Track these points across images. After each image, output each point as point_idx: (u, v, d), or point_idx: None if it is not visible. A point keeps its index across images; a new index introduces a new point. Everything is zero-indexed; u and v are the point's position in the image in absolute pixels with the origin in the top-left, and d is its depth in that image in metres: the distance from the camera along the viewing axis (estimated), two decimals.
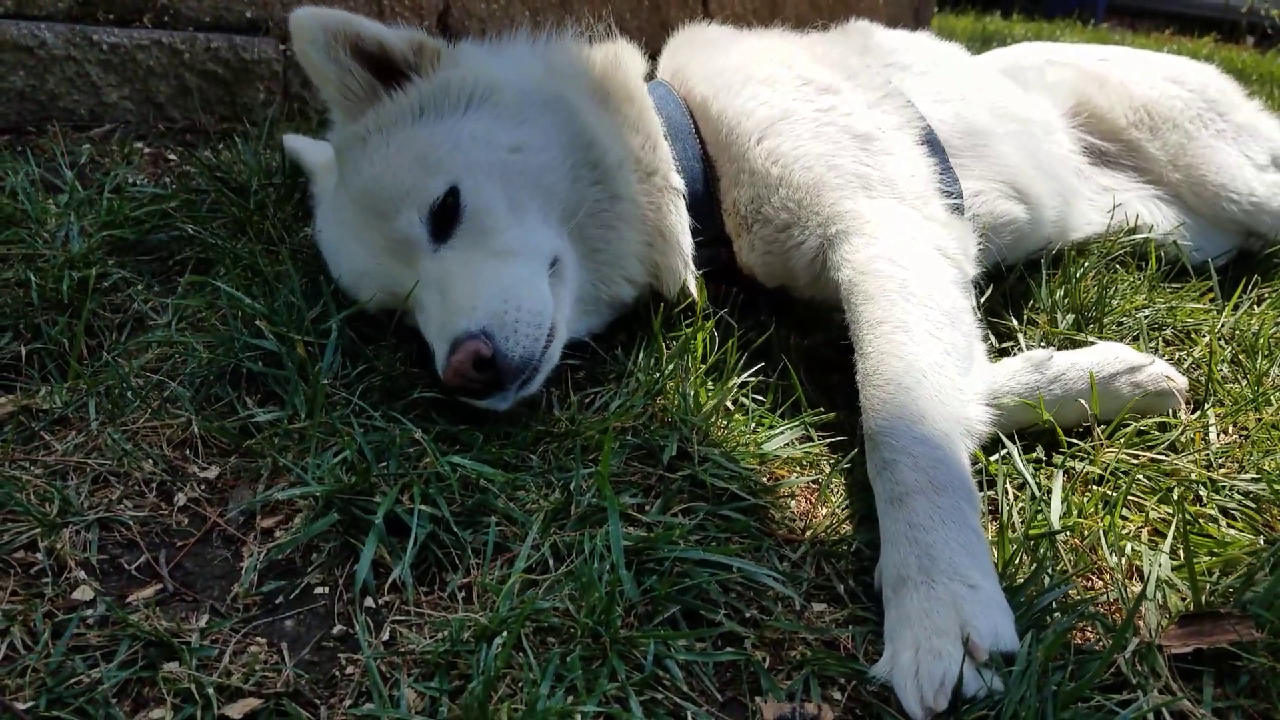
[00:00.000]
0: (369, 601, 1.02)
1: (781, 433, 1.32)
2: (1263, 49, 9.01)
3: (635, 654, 0.95)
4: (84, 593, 1.02)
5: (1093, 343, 1.56)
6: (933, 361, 1.23)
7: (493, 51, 1.61)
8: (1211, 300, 1.84)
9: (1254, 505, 1.25)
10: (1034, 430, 1.35)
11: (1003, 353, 1.58)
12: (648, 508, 1.17)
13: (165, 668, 0.93)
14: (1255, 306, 1.85)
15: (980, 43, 5.67)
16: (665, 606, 1.01)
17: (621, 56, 1.63)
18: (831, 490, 1.26)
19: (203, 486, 1.17)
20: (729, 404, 1.37)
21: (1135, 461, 1.30)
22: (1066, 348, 1.59)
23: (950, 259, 1.43)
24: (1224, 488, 1.27)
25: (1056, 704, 0.86)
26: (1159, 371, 1.38)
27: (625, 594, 1.00)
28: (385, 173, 1.35)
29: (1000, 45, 3.20)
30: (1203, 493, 1.27)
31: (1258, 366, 1.60)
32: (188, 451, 1.22)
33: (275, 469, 1.18)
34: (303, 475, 1.14)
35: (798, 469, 1.30)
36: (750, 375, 1.42)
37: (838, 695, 0.94)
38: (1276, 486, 1.25)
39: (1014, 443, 1.29)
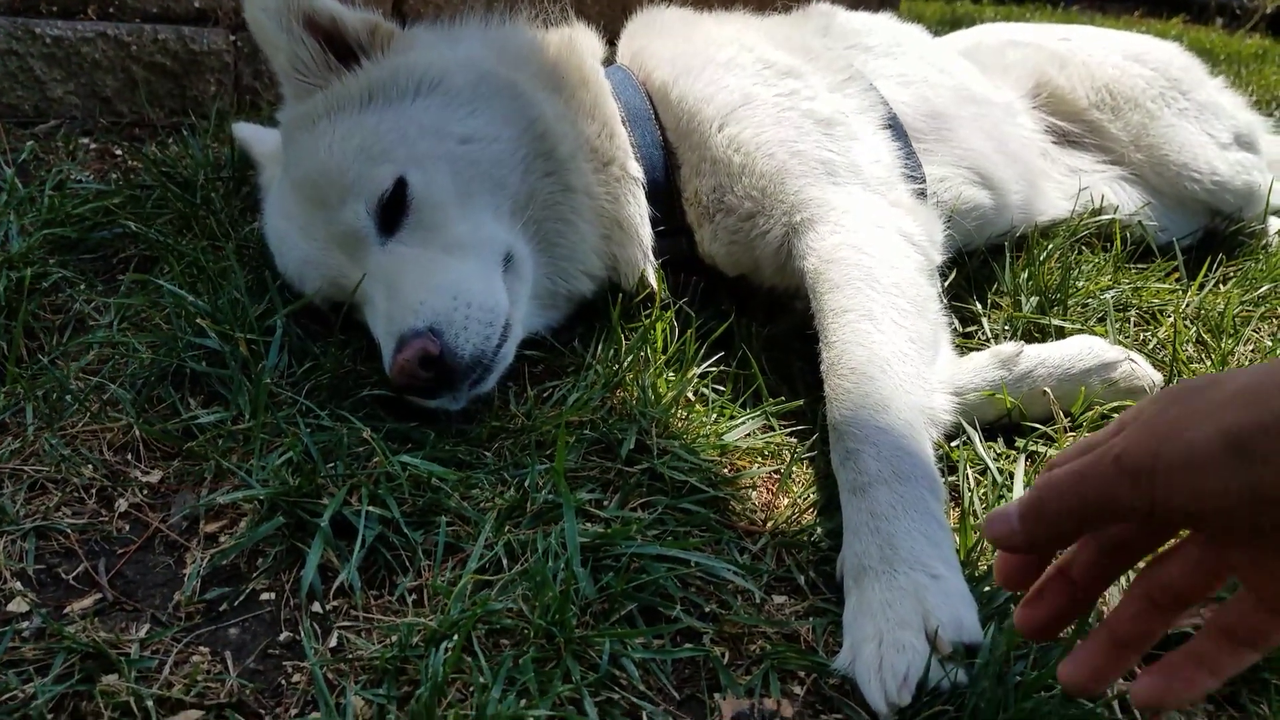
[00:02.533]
0: (316, 607, 0.99)
1: (743, 423, 1.30)
2: (1231, 29, 9.11)
3: (590, 654, 0.92)
4: (19, 605, 0.97)
5: (1058, 326, 1.56)
6: (897, 350, 1.21)
7: (445, 37, 1.57)
8: (1177, 280, 1.83)
9: None
10: (1000, 421, 1.33)
11: (967, 337, 1.57)
12: (606, 503, 1.14)
13: (103, 680, 0.89)
14: (1220, 285, 1.85)
15: (950, 25, 5.65)
16: (622, 604, 0.98)
17: (576, 40, 1.60)
18: (793, 480, 1.24)
19: (144, 491, 1.13)
20: (689, 395, 1.35)
21: None
22: (1031, 332, 1.59)
23: (916, 246, 1.41)
24: None
25: (1019, 694, 0.85)
26: (1132, 371, 1.34)
27: (581, 592, 0.97)
28: (330, 161, 1.31)
29: (970, 27, 3.19)
30: None
31: (1222, 346, 1.60)
32: (129, 455, 1.18)
33: (219, 472, 1.14)
34: (247, 478, 1.10)
35: (759, 459, 1.28)
36: (711, 365, 1.39)
37: (798, 689, 0.92)
38: None
39: (975, 429, 1.27)
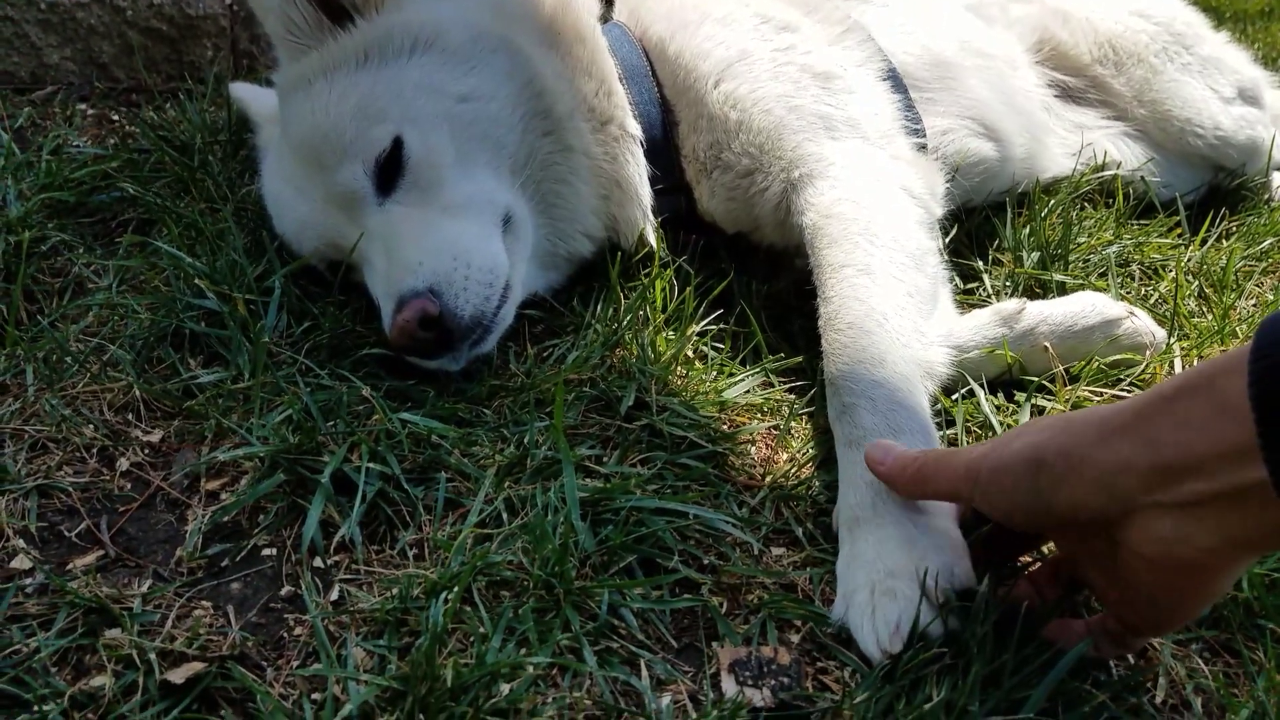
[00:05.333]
0: (317, 562, 1.00)
1: (741, 380, 1.30)
2: None
3: (590, 604, 0.93)
4: (21, 561, 0.98)
5: (1060, 282, 1.55)
6: (895, 305, 1.20)
7: None
8: (1179, 235, 1.82)
9: None
10: (1001, 378, 1.33)
11: (968, 293, 1.56)
12: (605, 459, 1.14)
13: (106, 634, 0.90)
14: (1223, 241, 1.84)
15: None
16: (621, 556, 0.99)
17: None
18: (792, 435, 1.24)
19: (145, 450, 1.14)
20: (689, 352, 1.34)
21: (1099, 399, 1.28)
22: (1033, 288, 1.58)
23: (916, 199, 1.40)
24: None
25: (1014, 642, 0.85)
26: (1135, 328, 1.31)
27: (580, 545, 0.98)
28: (326, 122, 1.30)
29: None
30: None
31: (1224, 300, 1.59)
32: (129, 415, 1.18)
33: (220, 431, 1.14)
34: (247, 436, 1.11)
35: (758, 415, 1.28)
36: (710, 323, 1.39)
37: (794, 637, 0.93)
38: None
39: (982, 386, 1.27)
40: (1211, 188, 2.03)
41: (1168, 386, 0.71)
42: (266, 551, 1.02)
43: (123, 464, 1.12)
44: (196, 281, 1.30)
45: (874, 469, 0.95)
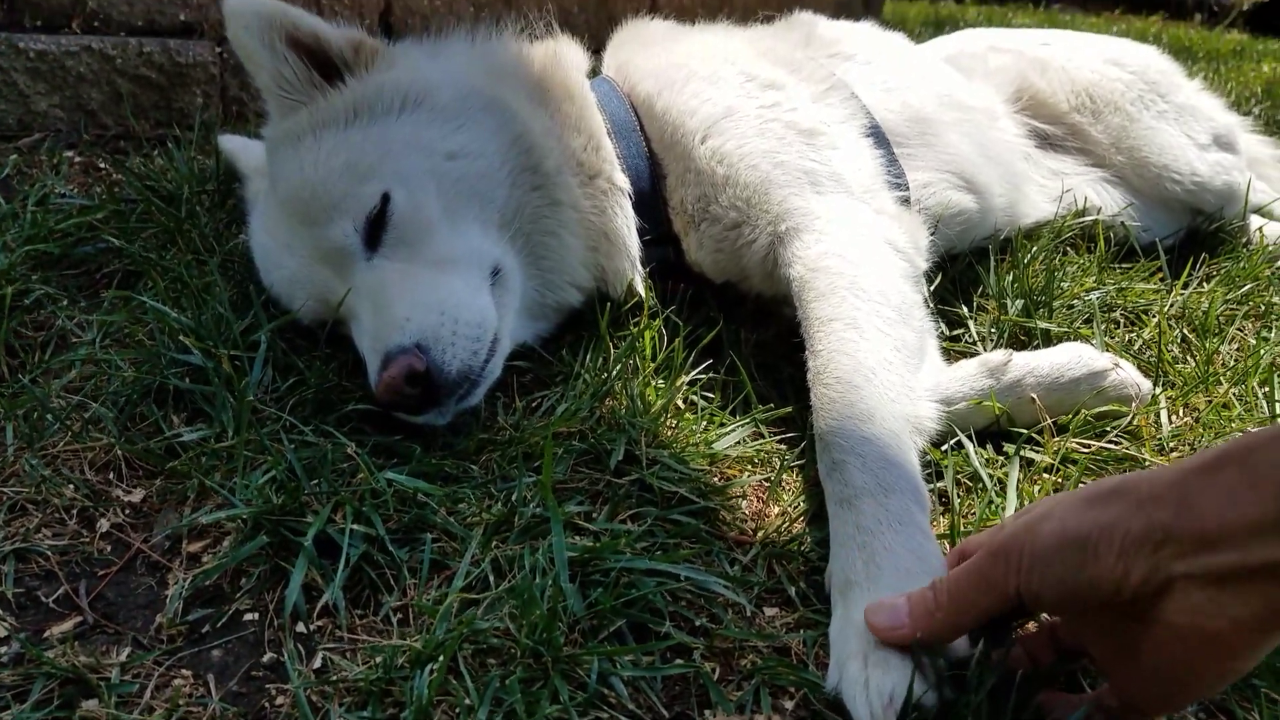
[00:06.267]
0: (300, 627, 0.98)
1: (732, 430, 1.30)
2: (1209, 25, 9.18)
3: (579, 672, 0.91)
4: None
5: (1044, 329, 1.56)
6: (883, 359, 1.20)
7: (430, 52, 1.57)
8: (1161, 280, 1.84)
9: None
10: (989, 429, 1.33)
11: (954, 340, 1.57)
12: (595, 515, 1.13)
13: (83, 706, 0.88)
14: (1204, 284, 1.86)
15: (934, 27, 5.68)
16: (611, 620, 0.97)
17: (561, 54, 1.59)
18: (783, 488, 1.23)
19: (126, 511, 1.12)
20: (678, 402, 1.34)
21: (1086, 450, 1.28)
22: (1018, 335, 1.59)
23: (901, 253, 1.41)
24: None
25: (1009, 710, 0.84)
26: (1120, 379, 1.32)
27: (569, 609, 0.96)
28: (316, 178, 1.30)
29: (954, 29, 3.20)
30: None
31: (1207, 346, 1.60)
32: (111, 475, 1.16)
33: (202, 490, 1.13)
34: (230, 497, 1.09)
35: (749, 467, 1.27)
36: (699, 373, 1.39)
37: (788, 704, 0.92)
38: None
39: (971, 440, 1.27)
40: (1190, 231, 2.06)
41: (1208, 456, 0.71)
42: (248, 616, 1.00)
43: (103, 525, 1.10)
44: (182, 337, 1.29)
45: (893, 637, 0.85)
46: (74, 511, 1.11)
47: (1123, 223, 1.95)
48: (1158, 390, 1.40)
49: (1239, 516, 0.66)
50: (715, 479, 1.23)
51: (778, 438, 1.32)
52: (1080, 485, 1.08)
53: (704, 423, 1.31)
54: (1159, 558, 0.71)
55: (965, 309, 1.63)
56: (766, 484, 1.24)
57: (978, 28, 3.07)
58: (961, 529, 1.12)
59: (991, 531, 0.83)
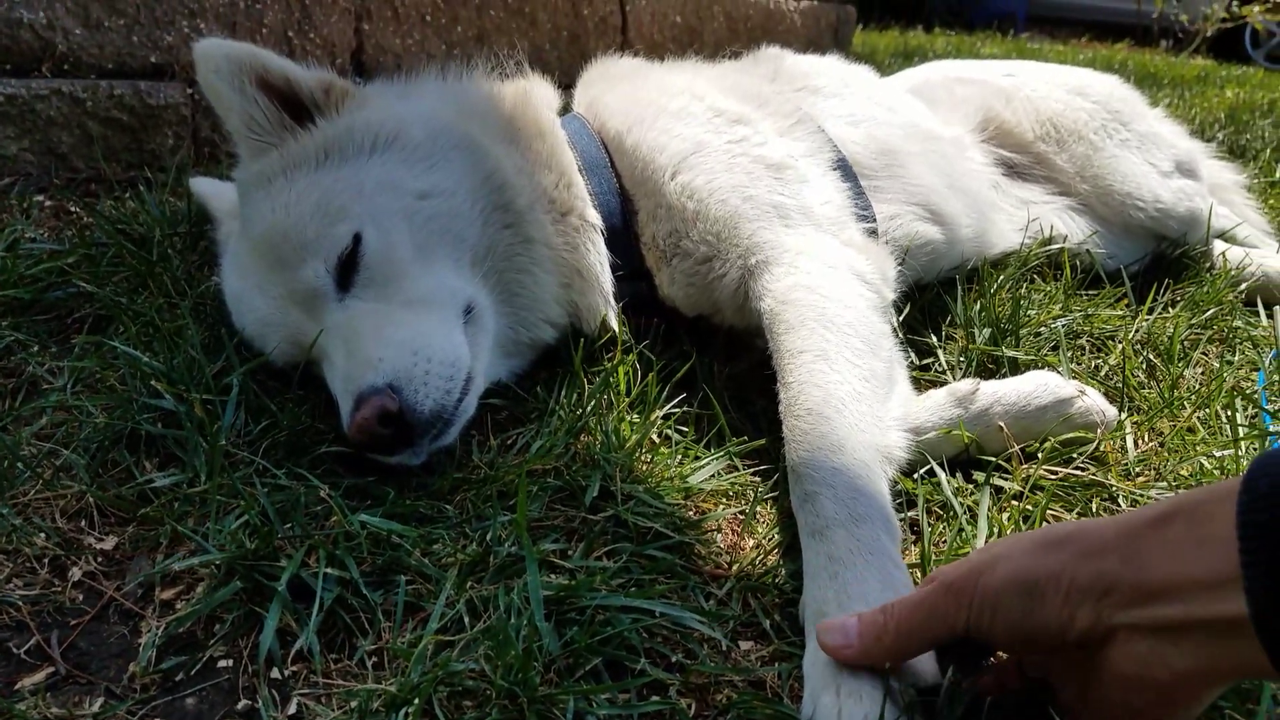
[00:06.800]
0: (275, 673, 0.97)
1: (706, 464, 1.31)
2: (1174, 52, 9.40)
3: (555, 713, 0.91)
4: None
5: (1011, 358, 1.58)
6: (852, 390, 1.22)
7: (401, 92, 1.58)
8: (1126, 306, 1.88)
9: None
10: (959, 457, 1.35)
11: (924, 369, 1.59)
12: (570, 553, 1.14)
13: None
14: (1169, 310, 1.90)
15: (903, 58, 5.79)
16: (587, 659, 0.98)
17: (532, 92, 1.62)
18: (758, 520, 1.24)
19: (99, 559, 1.11)
20: (653, 437, 1.35)
21: (1054, 476, 1.30)
22: (986, 363, 1.61)
23: (869, 284, 1.43)
24: (1141, 497, 1.29)
25: None
26: (1086, 407, 1.34)
27: (545, 648, 0.96)
28: (287, 220, 1.31)
29: (923, 59, 3.27)
30: (1122, 503, 1.28)
31: (1171, 371, 1.63)
32: (83, 522, 1.16)
33: (175, 536, 1.12)
34: (203, 542, 1.09)
35: (724, 500, 1.28)
36: (674, 406, 1.40)
37: None
38: None
39: (943, 469, 1.28)
40: (1155, 257, 2.10)
41: (1158, 509, 0.72)
42: (223, 663, 0.99)
43: (75, 574, 1.09)
44: (153, 382, 1.28)
45: (840, 656, 0.87)
46: (45, 560, 1.10)
47: (1088, 250, 1.99)
48: (1123, 416, 1.43)
49: (1183, 571, 0.67)
50: (690, 513, 1.23)
51: (752, 470, 1.33)
52: (1042, 524, 1.10)
53: (679, 457, 1.32)
54: (1102, 606, 0.72)
55: (934, 338, 1.65)
56: (741, 517, 1.25)
57: (946, 59, 3.14)
58: (933, 558, 1.13)
59: (955, 564, 0.84)
